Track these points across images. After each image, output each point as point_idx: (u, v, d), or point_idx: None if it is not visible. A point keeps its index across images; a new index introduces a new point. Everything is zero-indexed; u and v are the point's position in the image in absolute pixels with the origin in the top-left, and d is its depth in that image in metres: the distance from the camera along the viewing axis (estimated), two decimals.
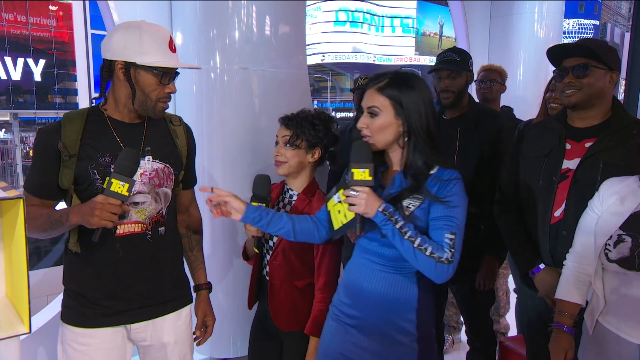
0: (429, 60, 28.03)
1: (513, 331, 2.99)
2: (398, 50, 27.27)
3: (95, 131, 1.39)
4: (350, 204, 1.27)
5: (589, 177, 1.53)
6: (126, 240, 1.40)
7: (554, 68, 4.73)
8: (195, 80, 2.83)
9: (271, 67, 2.88)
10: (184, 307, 1.57)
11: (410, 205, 1.32)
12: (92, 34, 17.80)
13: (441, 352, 2.41)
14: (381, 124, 1.34)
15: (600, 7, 30.35)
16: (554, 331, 1.52)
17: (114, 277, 1.40)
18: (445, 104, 2.12)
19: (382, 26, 26.66)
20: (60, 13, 17.38)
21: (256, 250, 1.63)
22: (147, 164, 1.45)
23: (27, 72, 16.65)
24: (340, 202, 1.33)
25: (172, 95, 1.46)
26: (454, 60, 2.08)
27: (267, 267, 1.73)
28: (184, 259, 1.66)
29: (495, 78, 2.94)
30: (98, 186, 1.34)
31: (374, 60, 26.30)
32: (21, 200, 1.08)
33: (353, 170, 1.27)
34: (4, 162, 17.55)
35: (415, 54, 27.76)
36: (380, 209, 1.26)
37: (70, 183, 1.35)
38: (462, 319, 3.14)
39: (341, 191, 1.32)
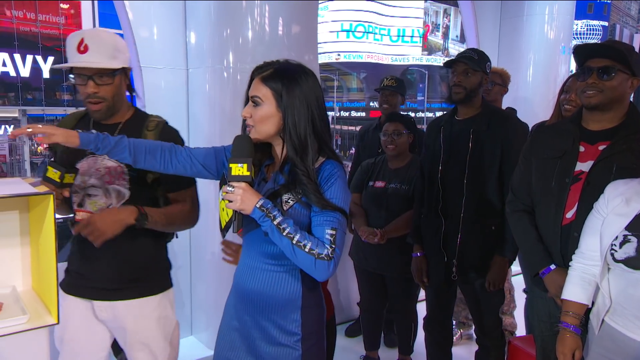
0: (435, 60, 28.00)
1: (521, 330, 3.01)
2: (405, 50, 27.22)
3: (76, 126, 1.60)
4: (229, 201, 1.22)
5: (602, 179, 1.54)
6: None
7: (564, 69, 4.72)
8: (209, 79, 2.87)
9: None
10: (151, 297, 1.63)
11: (289, 200, 1.28)
12: None
13: (450, 348, 2.44)
14: (262, 115, 1.29)
15: (610, 8, 30.12)
16: (560, 331, 1.53)
17: (78, 255, 1.61)
18: (455, 99, 2.13)
19: (389, 35, 26.60)
20: (72, 11, 17.49)
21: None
22: (103, 161, 1.57)
23: (35, 69, 16.75)
24: (223, 199, 1.26)
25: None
26: (472, 58, 2.09)
27: None
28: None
29: (495, 80, 2.95)
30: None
31: (379, 60, 26.25)
32: (51, 195, 1.11)
33: (231, 165, 1.23)
34: (12, 158, 17.68)
35: (422, 54, 27.69)
36: (257, 205, 1.21)
37: None
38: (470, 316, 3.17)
39: (223, 187, 1.27)
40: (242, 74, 2.78)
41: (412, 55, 27.30)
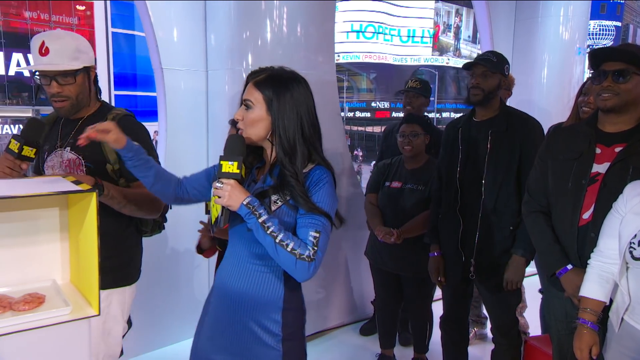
0: (443, 61, 27.91)
1: (534, 330, 3.03)
2: (415, 50, 27.15)
3: (53, 126, 1.75)
4: (218, 197, 1.27)
5: (619, 181, 1.57)
6: None
7: (579, 71, 4.73)
8: (228, 80, 2.92)
9: (301, 69, 2.95)
10: (105, 290, 1.61)
11: (277, 201, 1.32)
12: (112, 33, 18.11)
13: (466, 347, 2.47)
14: (253, 118, 1.33)
15: (623, 9, 29.81)
16: (578, 327, 1.57)
17: None
18: (473, 101, 2.16)
19: (399, 36, 26.53)
20: (88, 13, 17.66)
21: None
22: (65, 154, 1.67)
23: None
24: (213, 196, 1.30)
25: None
26: (491, 60, 2.13)
27: None
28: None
29: None
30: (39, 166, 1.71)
31: (386, 60, 26.19)
32: (94, 193, 1.17)
33: (222, 162, 1.27)
34: None
35: (432, 54, 27.60)
36: (244, 202, 1.25)
37: None
38: (484, 313, 3.19)
39: (213, 184, 1.30)
40: None
41: (422, 55, 27.22)
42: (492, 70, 2.12)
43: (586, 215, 1.66)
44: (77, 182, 1.28)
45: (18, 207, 1.29)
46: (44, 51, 1.56)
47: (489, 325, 3.17)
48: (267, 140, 1.37)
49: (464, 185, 2.20)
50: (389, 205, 2.64)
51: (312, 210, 1.28)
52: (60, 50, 1.56)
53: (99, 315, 1.19)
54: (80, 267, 1.30)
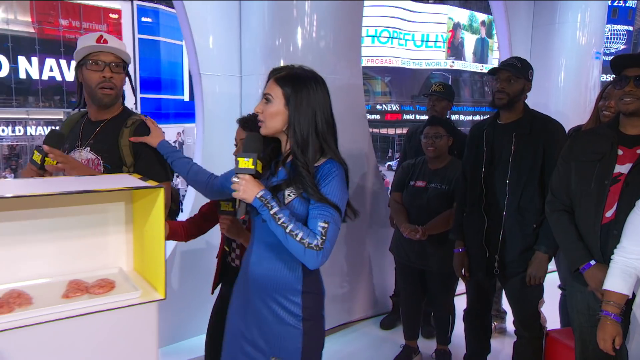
0: (460, 65, 27.73)
1: (552, 324, 3.05)
2: (430, 54, 27.05)
3: (74, 127, 1.78)
4: (234, 190, 1.34)
5: None
6: None
7: (596, 74, 4.72)
8: (261, 85, 2.99)
9: (329, 74, 3.01)
10: None
11: (291, 194, 1.37)
12: (139, 39, 18.41)
13: (489, 339, 2.51)
14: (272, 111, 1.39)
15: (635, 13, 29.26)
16: (601, 319, 1.61)
17: None
18: (498, 105, 2.19)
19: (413, 41, 26.45)
20: (121, 20, 17.95)
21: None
22: (84, 154, 1.70)
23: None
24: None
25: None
26: (515, 66, 2.16)
27: (232, 254, 1.93)
28: None
29: None
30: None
31: (399, 63, 26.14)
32: (162, 189, 1.26)
33: (238, 159, 1.35)
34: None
35: (448, 59, 27.47)
36: (258, 195, 1.31)
37: None
38: (503, 307, 3.22)
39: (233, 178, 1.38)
40: None
41: (436, 59, 27.09)
42: (516, 75, 2.16)
43: (609, 213, 1.69)
44: (143, 179, 1.37)
45: (89, 202, 1.38)
46: (102, 41, 1.65)
47: (508, 319, 3.21)
48: (283, 132, 1.43)
49: (488, 185, 2.24)
50: (414, 204, 2.69)
51: (322, 201, 1.33)
52: (118, 43, 1.70)
53: (165, 299, 1.27)
54: (144, 255, 1.39)
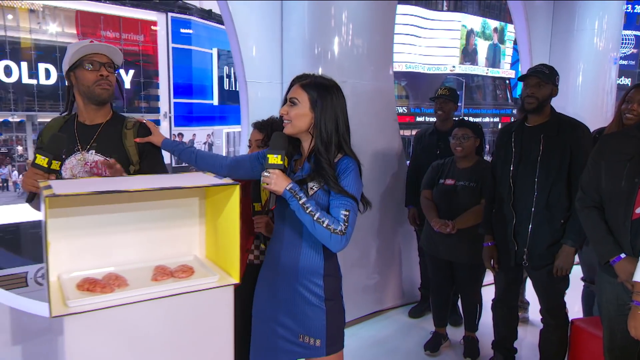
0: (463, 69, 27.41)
1: (573, 314, 3.04)
2: (443, 60, 26.79)
3: (65, 132, 1.67)
4: (265, 183, 1.42)
5: None
6: None
7: (612, 78, 4.66)
8: None
9: (364, 80, 3.08)
10: None
11: (314, 187, 1.46)
12: (172, 48, 18.74)
13: (516, 326, 2.53)
14: (298, 113, 1.48)
15: None
16: (632, 309, 1.62)
17: None
18: (528, 109, 2.22)
19: (429, 47, 26.24)
20: (159, 30, 18.30)
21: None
22: (90, 156, 1.66)
23: (119, 81, 17.72)
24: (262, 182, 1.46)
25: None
26: (544, 72, 2.19)
27: (254, 253, 1.96)
28: None
29: None
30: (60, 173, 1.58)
31: (415, 68, 25.93)
32: (237, 185, 1.33)
33: (268, 155, 1.43)
34: None
35: (461, 64, 27.16)
36: (287, 188, 1.41)
37: None
38: (526, 298, 3.23)
39: (262, 173, 1.46)
40: None
41: (450, 64, 26.83)
42: (545, 80, 2.18)
43: (639, 210, 1.71)
44: (217, 177, 1.45)
45: (169, 197, 1.47)
46: (94, 42, 1.64)
47: (530, 309, 3.22)
48: (306, 133, 1.51)
49: (517, 183, 2.27)
50: (444, 200, 2.73)
51: (341, 192, 1.43)
52: (108, 44, 1.69)
53: (240, 283, 1.35)
54: (218, 245, 1.47)
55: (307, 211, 1.40)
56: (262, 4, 3.04)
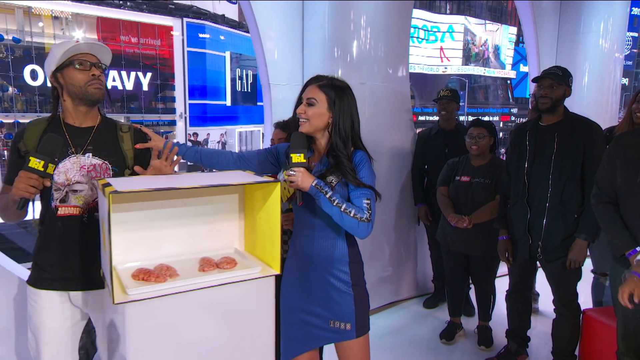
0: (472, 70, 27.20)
1: (584, 305, 3.04)
2: (445, 61, 26.64)
3: (45, 131, 1.49)
4: (290, 181, 1.44)
5: None
6: (66, 220, 1.49)
7: (617, 77, 4.63)
8: None
9: (381, 82, 3.09)
10: None
11: (333, 181, 1.49)
12: (187, 51, 18.82)
13: (529, 315, 2.55)
14: (316, 112, 1.50)
15: None
16: (628, 276, 1.64)
17: (57, 249, 1.49)
18: (542, 109, 2.22)
19: (433, 49, 26.09)
20: (176, 33, 18.38)
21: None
22: (87, 160, 1.51)
23: (137, 83, 17.80)
24: (285, 180, 1.47)
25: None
26: (557, 74, 2.19)
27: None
28: None
29: None
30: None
31: (419, 69, 25.80)
32: (278, 183, 1.36)
33: (291, 155, 1.43)
34: None
35: (464, 65, 26.98)
36: (313, 184, 1.43)
37: None
38: (536, 290, 3.23)
39: (285, 172, 1.46)
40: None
41: (453, 65, 26.66)
42: (558, 82, 2.18)
43: None
44: (258, 174, 1.48)
45: (211, 194, 1.50)
46: (81, 40, 1.52)
47: (540, 300, 3.23)
48: (322, 131, 1.54)
49: (531, 180, 2.27)
50: (459, 196, 2.74)
51: (359, 184, 1.47)
52: (99, 43, 1.56)
53: (280, 274, 1.38)
54: (256, 238, 1.50)
55: (335, 204, 1.44)
56: (284, 8, 3.05)
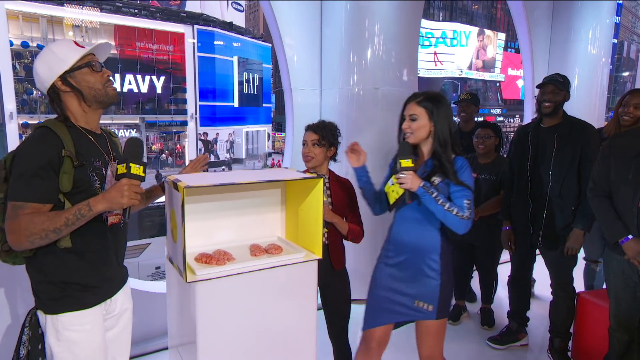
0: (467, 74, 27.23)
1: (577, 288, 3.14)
2: (439, 65, 26.70)
3: (80, 140, 1.29)
4: (401, 183, 1.53)
5: None
6: (112, 229, 1.35)
7: (604, 82, 4.70)
8: (338, 97, 3.15)
9: (393, 87, 3.14)
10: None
11: (435, 180, 1.57)
12: (198, 56, 18.84)
13: (529, 299, 2.64)
14: (418, 125, 1.59)
15: (619, 28, 28.14)
16: None
17: (105, 262, 1.34)
18: (544, 112, 2.30)
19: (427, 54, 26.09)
20: (192, 41, 18.38)
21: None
22: (114, 166, 1.31)
23: (151, 86, 17.82)
24: (393, 184, 1.58)
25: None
26: (558, 81, 2.27)
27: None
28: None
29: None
30: (96, 187, 1.28)
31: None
32: (321, 179, 1.45)
33: (400, 160, 1.53)
34: None
35: (462, 69, 27.04)
36: (421, 185, 1.53)
37: (69, 187, 1.23)
38: (534, 277, 3.31)
39: (393, 176, 1.57)
40: (364, 93, 3.02)
41: (447, 69, 26.70)
42: (559, 88, 2.26)
43: None
44: (299, 171, 1.56)
45: (256, 189, 1.59)
46: (77, 44, 1.33)
47: (536, 286, 3.32)
48: (426, 140, 1.63)
49: (533, 176, 2.36)
50: None
51: (460, 184, 1.55)
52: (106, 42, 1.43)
53: (322, 258, 1.47)
54: (298, 227, 1.59)
55: (439, 203, 1.52)
56: (303, 16, 3.06)
